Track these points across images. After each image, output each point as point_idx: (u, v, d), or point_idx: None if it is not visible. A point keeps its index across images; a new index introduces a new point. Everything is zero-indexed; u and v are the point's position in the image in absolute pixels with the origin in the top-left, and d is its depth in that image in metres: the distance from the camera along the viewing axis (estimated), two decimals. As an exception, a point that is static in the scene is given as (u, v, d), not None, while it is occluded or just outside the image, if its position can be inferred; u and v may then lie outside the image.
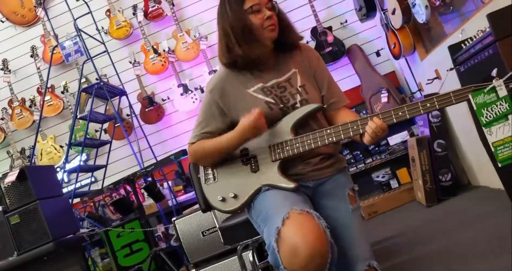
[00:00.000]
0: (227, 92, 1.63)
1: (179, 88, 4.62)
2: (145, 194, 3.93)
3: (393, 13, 3.48)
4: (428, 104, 1.40)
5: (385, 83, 4.22)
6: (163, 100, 4.77)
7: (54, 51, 4.60)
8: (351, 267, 1.49)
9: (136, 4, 4.76)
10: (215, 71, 4.53)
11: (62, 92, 4.79)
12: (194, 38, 4.65)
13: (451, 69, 2.48)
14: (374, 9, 4.01)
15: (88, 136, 4.40)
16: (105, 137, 4.83)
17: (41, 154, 4.80)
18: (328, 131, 1.52)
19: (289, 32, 1.64)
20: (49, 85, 4.72)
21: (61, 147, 4.83)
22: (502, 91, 1.32)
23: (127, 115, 4.77)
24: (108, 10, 4.81)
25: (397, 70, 4.45)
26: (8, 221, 3.09)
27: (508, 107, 1.32)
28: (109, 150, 4.66)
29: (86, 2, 4.57)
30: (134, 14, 4.74)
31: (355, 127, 1.49)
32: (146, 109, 4.69)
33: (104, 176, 4.58)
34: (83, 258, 3.29)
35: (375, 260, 1.51)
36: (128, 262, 3.64)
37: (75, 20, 4.37)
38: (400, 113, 1.44)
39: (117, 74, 4.69)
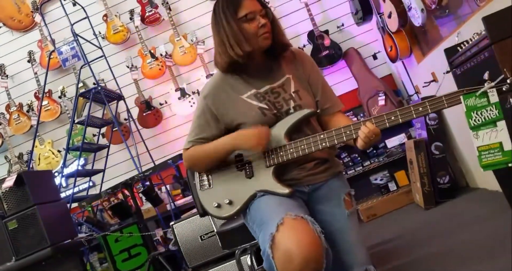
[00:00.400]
0: (221, 98, 1.64)
1: (176, 93, 4.62)
2: (143, 198, 3.92)
3: (389, 16, 3.49)
4: (420, 109, 1.41)
5: (382, 86, 4.23)
6: (160, 104, 4.77)
7: (51, 56, 4.61)
8: (347, 271, 1.49)
9: (133, 9, 4.77)
10: (212, 75, 4.54)
11: (60, 97, 4.79)
12: (191, 42, 4.66)
13: (447, 72, 2.48)
14: (370, 13, 4.03)
15: (85, 141, 4.40)
16: (103, 141, 4.83)
17: (39, 159, 4.79)
18: (322, 136, 1.52)
19: (281, 39, 1.65)
20: (46, 90, 4.73)
21: (59, 151, 4.82)
22: (494, 97, 1.32)
23: (125, 119, 4.77)
24: (105, 15, 4.81)
25: (394, 73, 4.46)
26: (6, 226, 3.08)
27: (497, 114, 1.33)
28: (107, 154, 4.66)
29: (83, 7, 4.58)
30: (131, 18, 4.75)
31: (348, 132, 1.49)
32: (144, 114, 4.69)
33: (102, 180, 4.57)
34: (81, 263, 3.28)
35: (372, 265, 1.51)
36: (126, 267, 3.62)
37: (72, 25, 4.37)
38: (392, 118, 1.44)
39: (115, 78, 4.68)
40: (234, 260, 2.51)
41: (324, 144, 1.52)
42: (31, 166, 4.67)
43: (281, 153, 1.56)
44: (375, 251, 2.79)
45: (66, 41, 4.59)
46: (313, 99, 1.67)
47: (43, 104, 4.69)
